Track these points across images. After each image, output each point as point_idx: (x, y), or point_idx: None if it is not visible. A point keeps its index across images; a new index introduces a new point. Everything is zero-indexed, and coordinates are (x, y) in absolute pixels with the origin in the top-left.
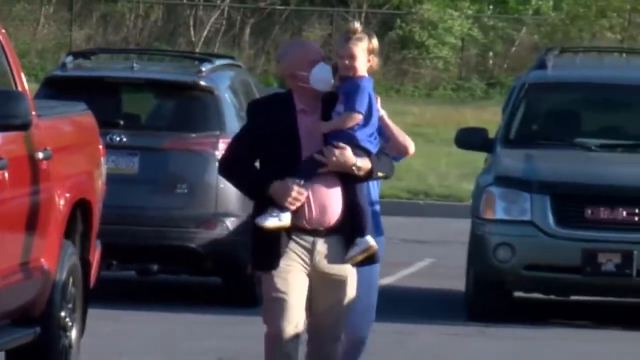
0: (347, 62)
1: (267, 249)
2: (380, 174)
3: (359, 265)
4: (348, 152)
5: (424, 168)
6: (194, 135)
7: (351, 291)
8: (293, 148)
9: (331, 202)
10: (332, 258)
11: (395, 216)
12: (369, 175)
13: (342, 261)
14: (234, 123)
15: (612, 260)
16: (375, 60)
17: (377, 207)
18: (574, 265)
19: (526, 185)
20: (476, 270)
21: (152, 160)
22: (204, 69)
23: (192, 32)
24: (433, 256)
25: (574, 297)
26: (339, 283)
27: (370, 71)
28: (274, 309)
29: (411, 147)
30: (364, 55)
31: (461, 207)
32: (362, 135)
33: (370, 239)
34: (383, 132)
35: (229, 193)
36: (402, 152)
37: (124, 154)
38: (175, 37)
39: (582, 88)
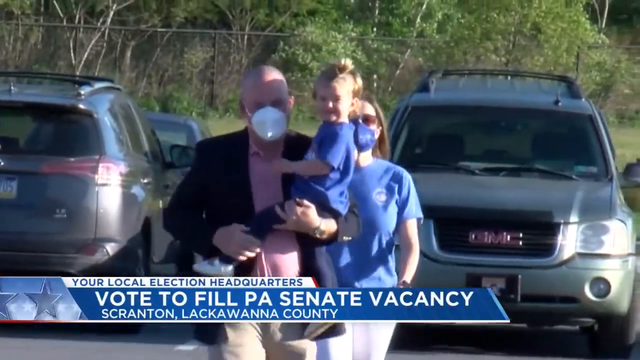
0: (330, 104)
1: None
2: (345, 238)
3: (317, 338)
4: (312, 212)
5: None
6: (73, 159)
7: None
8: (243, 197)
9: (285, 263)
10: (288, 327)
11: None
12: (332, 239)
13: (300, 335)
14: (113, 147)
15: (496, 285)
16: (359, 105)
17: (388, 240)
18: None
19: None
20: None
21: (31, 185)
22: (83, 92)
23: (72, 54)
24: None
25: (457, 322)
26: (298, 357)
27: (352, 116)
28: None
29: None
30: (348, 97)
31: None
32: (333, 194)
33: None
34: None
35: (109, 218)
36: None
37: (2, 178)
38: (55, 60)
39: (465, 111)
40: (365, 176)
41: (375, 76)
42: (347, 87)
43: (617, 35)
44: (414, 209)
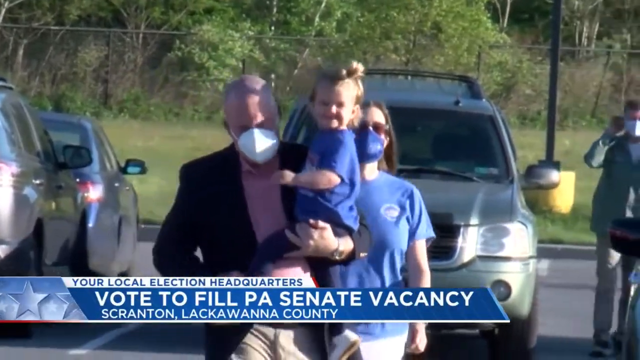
0: (333, 110)
1: (218, 343)
2: (362, 255)
3: None
4: (329, 233)
5: None
6: None
7: None
8: (241, 221)
9: None
10: (301, 355)
11: None
12: (350, 259)
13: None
14: (4, 147)
15: None
16: (358, 113)
17: (400, 259)
18: None
19: None
20: None
21: None
22: None
23: None
24: None
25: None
26: None
27: (350, 126)
28: None
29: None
30: (351, 104)
31: None
32: (344, 210)
33: (350, 334)
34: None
35: (0, 219)
36: None
37: None
38: None
39: None
40: (372, 190)
41: (273, 76)
42: (351, 93)
43: (519, 34)
44: (426, 228)
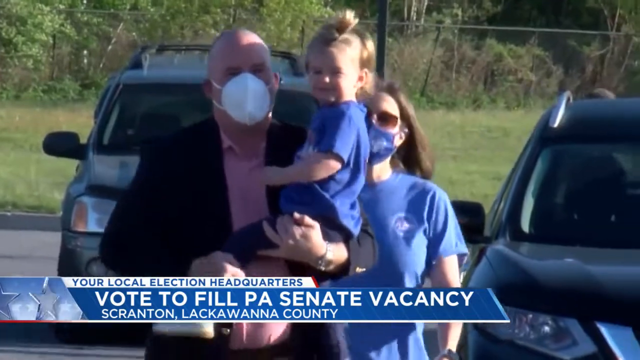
0: (326, 79)
1: None
2: (358, 270)
3: None
4: (316, 234)
5: (12, 177)
6: None
7: None
8: (218, 208)
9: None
10: None
11: None
12: (341, 272)
13: None
14: None
15: None
16: (370, 78)
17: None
18: None
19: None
20: None
21: None
22: None
23: None
24: (21, 272)
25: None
26: None
27: (363, 95)
28: None
29: None
30: (353, 68)
31: (52, 219)
32: (343, 206)
33: None
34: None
35: None
36: None
37: None
38: None
39: (180, 89)
40: (380, 196)
41: (85, 52)
42: (350, 53)
43: (344, 8)
44: (454, 242)
